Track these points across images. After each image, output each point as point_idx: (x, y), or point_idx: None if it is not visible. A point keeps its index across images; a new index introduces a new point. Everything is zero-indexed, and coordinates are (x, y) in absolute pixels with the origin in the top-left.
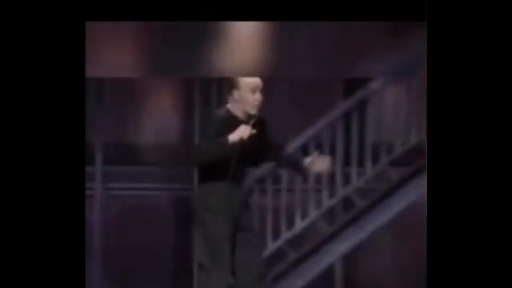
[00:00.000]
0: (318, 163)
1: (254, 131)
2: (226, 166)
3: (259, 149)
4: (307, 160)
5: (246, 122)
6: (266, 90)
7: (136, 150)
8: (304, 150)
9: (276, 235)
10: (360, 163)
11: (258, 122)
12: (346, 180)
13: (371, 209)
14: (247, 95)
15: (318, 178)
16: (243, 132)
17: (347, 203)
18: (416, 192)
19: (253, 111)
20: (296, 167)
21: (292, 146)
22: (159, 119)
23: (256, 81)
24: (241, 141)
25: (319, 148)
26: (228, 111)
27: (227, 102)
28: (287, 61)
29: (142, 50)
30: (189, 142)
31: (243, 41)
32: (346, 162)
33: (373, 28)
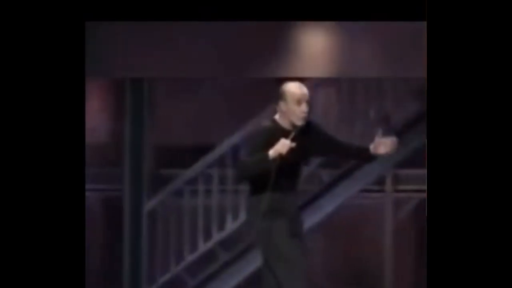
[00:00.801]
0: (382, 145)
1: (293, 144)
2: (268, 178)
3: (302, 158)
4: (372, 146)
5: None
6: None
7: None
8: (236, 151)
9: (207, 236)
10: None
11: (302, 131)
12: None
13: (303, 210)
14: (294, 107)
15: None
16: (281, 147)
17: None
18: (346, 193)
19: (299, 122)
20: (363, 155)
21: (225, 146)
22: (89, 120)
23: (302, 92)
24: (281, 156)
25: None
26: (275, 122)
27: (275, 112)
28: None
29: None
30: (120, 142)
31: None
32: None
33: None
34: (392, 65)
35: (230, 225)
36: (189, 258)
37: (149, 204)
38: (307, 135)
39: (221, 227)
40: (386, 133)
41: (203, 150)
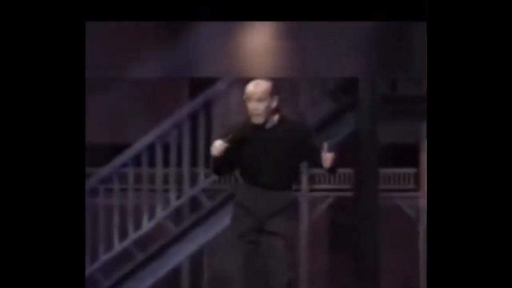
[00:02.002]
0: (327, 160)
1: (226, 145)
2: (256, 173)
3: (289, 156)
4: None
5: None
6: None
7: None
8: (151, 150)
9: (123, 235)
10: (207, 164)
11: (286, 129)
12: (193, 180)
13: (218, 210)
14: (248, 104)
15: (165, 178)
16: (213, 148)
17: (194, 203)
18: None
19: (255, 120)
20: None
21: (139, 145)
22: None
23: (252, 90)
24: (220, 155)
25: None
26: (248, 118)
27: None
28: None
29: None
30: None
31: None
32: (193, 163)
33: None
34: (309, 65)
35: (146, 225)
36: (104, 258)
37: None
38: (289, 135)
39: (137, 226)
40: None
41: (118, 149)
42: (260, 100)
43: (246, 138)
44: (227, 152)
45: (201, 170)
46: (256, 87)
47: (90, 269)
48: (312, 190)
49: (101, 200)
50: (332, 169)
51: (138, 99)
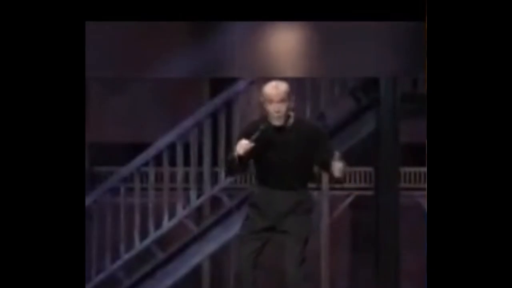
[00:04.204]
0: (336, 169)
1: (251, 145)
2: (271, 174)
3: (303, 158)
4: (331, 169)
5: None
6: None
7: None
8: (172, 149)
9: (144, 234)
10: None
11: (299, 131)
12: (214, 179)
13: (239, 209)
14: (268, 106)
15: (186, 177)
16: (238, 147)
17: (215, 202)
18: None
19: (274, 121)
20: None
21: (160, 144)
22: None
23: (273, 92)
24: (245, 155)
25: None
26: (266, 120)
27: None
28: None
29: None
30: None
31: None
32: (214, 162)
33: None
34: (329, 65)
35: (167, 224)
36: (125, 256)
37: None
38: (305, 137)
39: (158, 225)
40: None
41: (139, 148)
42: (282, 101)
43: (265, 139)
44: (251, 152)
45: (221, 169)
46: (278, 89)
47: (111, 268)
48: (332, 189)
49: (122, 199)
50: (339, 180)
51: (159, 98)
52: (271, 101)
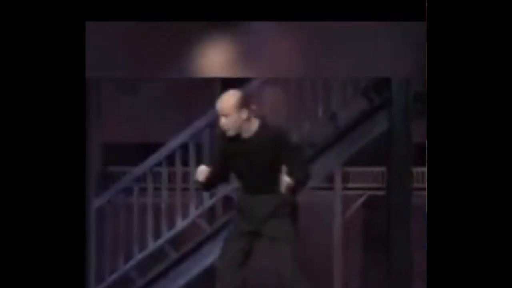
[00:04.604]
0: (281, 183)
1: (210, 170)
2: (243, 180)
3: (269, 162)
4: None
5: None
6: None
7: None
8: (184, 149)
9: (157, 234)
10: None
11: (264, 137)
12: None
13: None
14: (220, 120)
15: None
16: (199, 174)
17: (227, 202)
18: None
19: (228, 133)
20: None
21: (173, 144)
22: None
23: (217, 106)
24: (205, 181)
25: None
26: (224, 132)
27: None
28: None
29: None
30: None
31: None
32: None
33: None
34: (340, 65)
35: (180, 223)
36: (138, 256)
37: (97, 202)
38: (268, 144)
39: (171, 225)
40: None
41: (152, 148)
42: (226, 115)
43: (229, 150)
44: (212, 175)
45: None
46: (220, 104)
47: (124, 268)
48: (345, 189)
49: (135, 199)
50: (290, 192)
51: (172, 98)
52: (218, 115)
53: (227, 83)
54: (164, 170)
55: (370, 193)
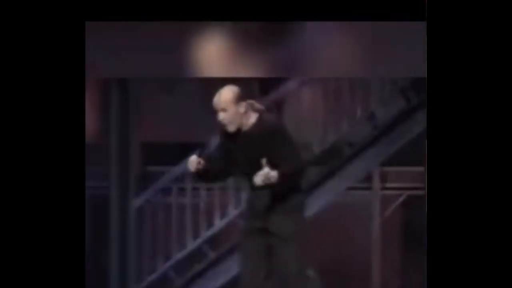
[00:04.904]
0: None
1: (199, 160)
2: (244, 176)
3: (267, 157)
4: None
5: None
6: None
7: None
8: None
9: (195, 234)
10: None
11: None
12: None
13: None
14: (218, 115)
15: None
16: (189, 164)
17: None
18: (333, 191)
19: (226, 128)
20: None
21: (211, 144)
22: None
23: (213, 100)
24: (196, 171)
25: None
26: (223, 127)
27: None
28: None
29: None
30: (107, 140)
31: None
32: None
33: None
34: (378, 65)
35: (218, 223)
36: (177, 256)
37: (137, 202)
38: (262, 138)
39: (209, 225)
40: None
41: (191, 147)
42: (223, 110)
43: (226, 145)
44: (203, 167)
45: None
46: (218, 98)
47: (163, 267)
48: (384, 189)
49: (174, 199)
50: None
51: (209, 98)
52: (215, 110)
53: (264, 83)
54: None
55: (409, 193)
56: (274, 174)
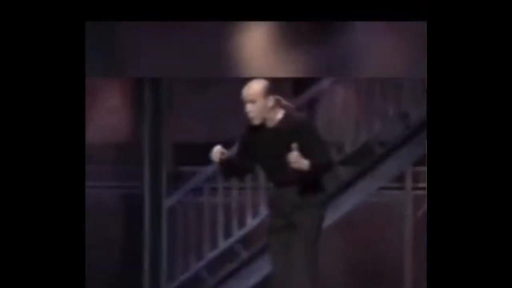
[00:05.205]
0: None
1: (223, 151)
2: (267, 171)
3: (285, 156)
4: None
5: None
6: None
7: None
8: None
9: (227, 233)
10: None
11: (288, 129)
12: None
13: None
14: (246, 107)
15: None
16: (212, 154)
17: None
18: (365, 191)
19: (252, 121)
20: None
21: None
22: (108, 118)
23: (243, 92)
24: (219, 162)
25: None
26: (249, 120)
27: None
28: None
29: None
30: (139, 140)
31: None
32: None
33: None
34: (404, 65)
35: (250, 222)
36: (209, 255)
37: (168, 202)
38: (289, 134)
39: (241, 224)
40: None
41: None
42: (252, 101)
43: (251, 139)
44: (226, 157)
45: None
46: (247, 90)
47: (195, 267)
48: (416, 189)
49: (205, 198)
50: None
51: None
52: (244, 101)
53: (297, 82)
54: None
55: None
56: (306, 162)
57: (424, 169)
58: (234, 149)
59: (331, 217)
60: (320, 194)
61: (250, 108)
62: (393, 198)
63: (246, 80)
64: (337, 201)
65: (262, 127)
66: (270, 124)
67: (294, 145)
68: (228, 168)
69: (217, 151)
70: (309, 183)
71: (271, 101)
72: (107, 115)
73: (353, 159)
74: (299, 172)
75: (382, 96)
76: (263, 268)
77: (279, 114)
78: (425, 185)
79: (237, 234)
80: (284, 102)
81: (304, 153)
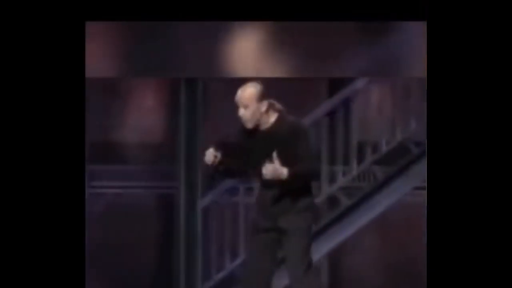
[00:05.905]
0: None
1: (215, 153)
2: (258, 173)
3: (285, 156)
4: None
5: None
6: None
7: (120, 149)
8: None
9: None
10: (345, 162)
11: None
12: (332, 178)
13: (356, 208)
14: (239, 111)
15: None
16: (206, 157)
17: (332, 201)
18: (401, 191)
19: (245, 125)
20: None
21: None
22: (143, 118)
23: (236, 96)
24: (211, 164)
25: None
26: (242, 123)
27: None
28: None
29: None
30: (175, 140)
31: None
32: (332, 161)
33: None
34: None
35: None
36: (244, 255)
37: (203, 201)
38: (282, 138)
39: None
40: None
41: None
42: (245, 106)
43: (242, 142)
44: (219, 160)
45: (339, 168)
46: (240, 94)
47: (230, 266)
48: None
49: (240, 198)
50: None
51: (277, 98)
52: (236, 105)
53: (332, 82)
54: None
55: None
56: (284, 171)
57: None
58: (228, 152)
59: (367, 217)
60: (308, 198)
61: (242, 113)
62: None
63: (282, 81)
64: (372, 201)
65: (255, 130)
66: (264, 127)
67: (274, 154)
68: (222, 170)
69: (210, 153)
70: (297, 187)
71: (264, 105)
72: (143, 116)
73: (389, 158)
74: (280, 180)
75: (417, 95)
76: None
77: (272, 118)
78: None
79: None
80: (277, 105)
81: (290, 155)
